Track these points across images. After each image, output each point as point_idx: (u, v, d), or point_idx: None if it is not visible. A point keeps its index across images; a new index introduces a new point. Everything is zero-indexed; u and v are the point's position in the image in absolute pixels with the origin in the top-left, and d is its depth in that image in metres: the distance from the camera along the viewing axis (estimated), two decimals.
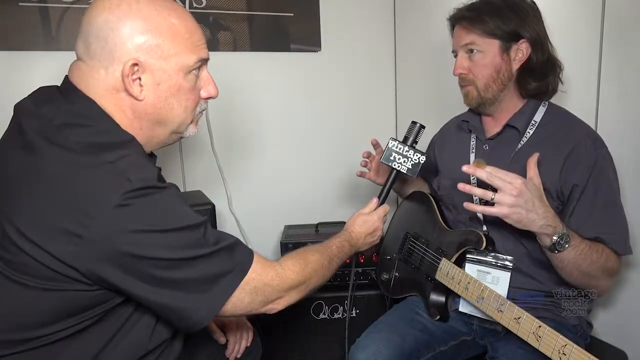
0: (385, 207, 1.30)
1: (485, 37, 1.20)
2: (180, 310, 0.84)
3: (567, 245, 1.05)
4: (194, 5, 1.75)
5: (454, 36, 1.28)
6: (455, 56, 1.28)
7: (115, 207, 0.74)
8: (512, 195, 1.01)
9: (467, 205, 1.10)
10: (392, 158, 1.27)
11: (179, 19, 0.86)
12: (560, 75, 1.26)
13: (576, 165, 1.14)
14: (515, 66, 1.22)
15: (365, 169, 1.51)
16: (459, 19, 1.25)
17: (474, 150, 1.33)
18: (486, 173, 1.03)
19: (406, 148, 1.27)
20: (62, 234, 0.74)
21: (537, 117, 1.25)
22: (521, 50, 1.21)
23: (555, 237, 1.05)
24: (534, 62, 1.21)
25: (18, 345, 0.81)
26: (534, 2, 1.24)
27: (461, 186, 1.09)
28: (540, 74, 1.23)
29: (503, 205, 1.02)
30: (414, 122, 1.28)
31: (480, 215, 1.25)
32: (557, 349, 0.92)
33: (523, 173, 1.08)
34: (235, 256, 0.88)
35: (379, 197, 1.31)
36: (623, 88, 1.44)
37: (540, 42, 1.21)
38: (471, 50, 1.22)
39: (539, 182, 1.06)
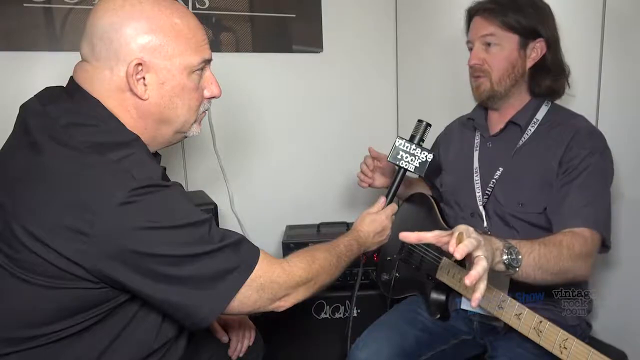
0: (393, 206, 1.29)
1: (504, 30, 1.21)
2: (186, 307, 0.84)
3: (519, 257, 0.96)
4: (197, 6, 1.76)
5: (471, 27, 1.28)
6: (470, 49, 1.28)
7: (120, 204, 0.75)
8: (482, 246, 0.87)
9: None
10: (399, 157, 1.27)
11: (182, 19, 0.87)
12: (568, 79, 1.28)
13: (573, 152, 1.16)
14: (529, 64, 1.24)
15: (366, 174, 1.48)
16: (479, 10, 1.25)
17: (478, 148, 1.34)
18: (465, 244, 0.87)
19: (413, 146, 1.26)
20: (68, 231, 0.75)
21: (539, 115, 1.26)
22: (537, 49, 1.23)
23: (505, 256, 0.94)
24: (547, 62, 1.23)
25: (22, 343, 0.81)
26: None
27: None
28: (551, 75, 1.25)
29: (484, 257, 0.85)
30: (420, 121, 1.28)
31: (482, 211, 1.26)
32: (558, 343, 0.92)
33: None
34: (241, 253, 0.89)
35: (386, 197, 1.30)
36: (623, 89, 1.45)
37: (555, 44, 1.24)
38: (488, 44, 1.23)
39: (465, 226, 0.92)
